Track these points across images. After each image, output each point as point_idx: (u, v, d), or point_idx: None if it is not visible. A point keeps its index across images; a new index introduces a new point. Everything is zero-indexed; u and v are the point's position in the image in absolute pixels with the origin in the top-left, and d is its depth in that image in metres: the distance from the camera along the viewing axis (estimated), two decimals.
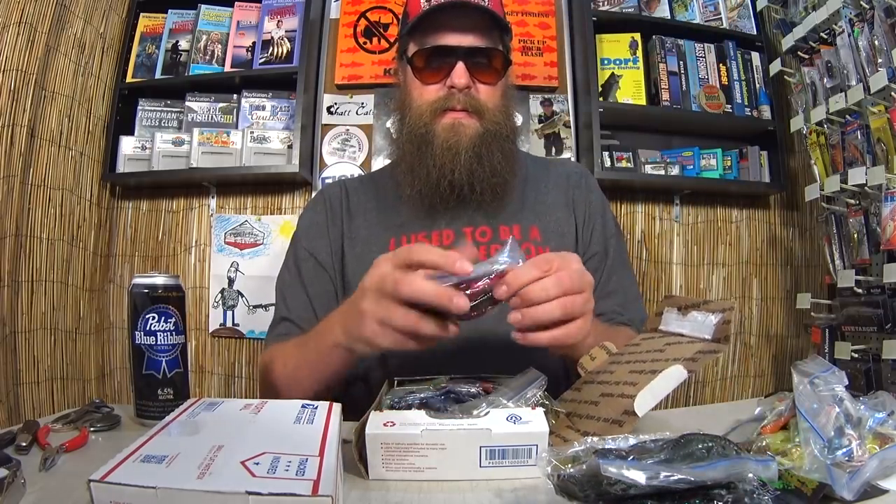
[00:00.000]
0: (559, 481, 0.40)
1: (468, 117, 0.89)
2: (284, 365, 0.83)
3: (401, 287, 0.57)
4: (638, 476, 0.36)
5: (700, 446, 0.39)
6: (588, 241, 0.97)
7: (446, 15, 0.88)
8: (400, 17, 1.91)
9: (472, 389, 0.63)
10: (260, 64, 1.84)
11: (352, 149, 1.88)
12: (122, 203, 1.89)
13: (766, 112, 1.88)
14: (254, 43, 1.87)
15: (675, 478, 0.36)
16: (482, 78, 0.90)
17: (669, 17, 1.91)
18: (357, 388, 0.94)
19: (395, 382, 0.69)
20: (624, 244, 1.03)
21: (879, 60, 1.35)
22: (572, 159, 1.84)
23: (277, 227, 1.85)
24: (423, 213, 0.94)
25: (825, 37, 1.55)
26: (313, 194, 1.86)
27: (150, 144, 1.81)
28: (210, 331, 1.84)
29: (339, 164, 1.87)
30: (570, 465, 0.42)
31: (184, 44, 1.90)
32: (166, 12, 1.92)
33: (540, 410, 0.55)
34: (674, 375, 0.55)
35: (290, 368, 0.82)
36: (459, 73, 0.87)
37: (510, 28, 0.96)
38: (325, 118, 1.89)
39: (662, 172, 1.84)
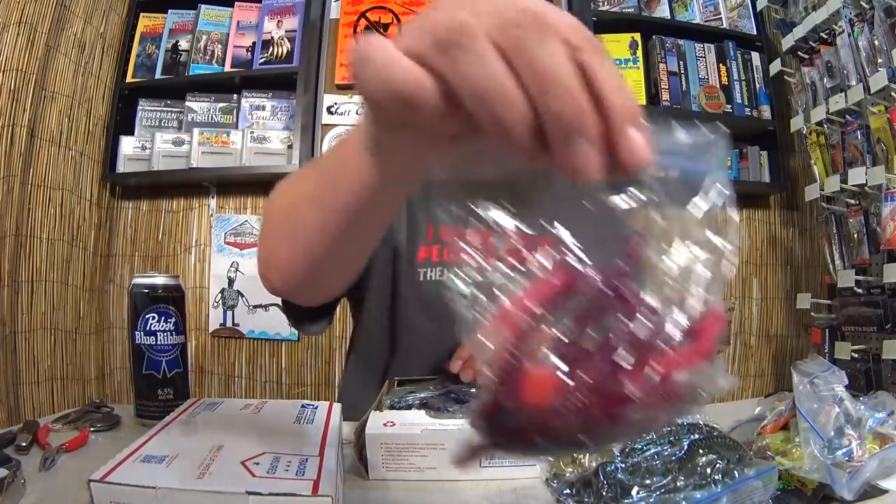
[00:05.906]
0: None
1: None
2: (291, 188, 0.53)
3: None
4: None
5: (705, 460, 0.39)
6: None
7: None
8: (400, 18, 1.92)
9: (473, 389, 0.63)
10: (260, 64, 1.84)
11: None
12: (122, 203, 1.89)
13: (766, 112, 1.88)
14: (254, 43, 1.87)
15: None
16: None
17: (669, 17, 1.91)
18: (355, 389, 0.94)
19: (396, 382, 0.69)
20: None
21: (879, 60, 1.35)
22: None
23: None
24: None
25: (825, 37, 1.55)
26: None
27: (150, 144, 1.80)
28: (210, 331, 1.84)
29: None
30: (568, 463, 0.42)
31: (184, 44, 1.90)
32: (166, 12, 1.92)
33: None
34: None
35: (302, 188, 0.50)
36: None
37: None
38: (326, 118, 1.89)
39: None
